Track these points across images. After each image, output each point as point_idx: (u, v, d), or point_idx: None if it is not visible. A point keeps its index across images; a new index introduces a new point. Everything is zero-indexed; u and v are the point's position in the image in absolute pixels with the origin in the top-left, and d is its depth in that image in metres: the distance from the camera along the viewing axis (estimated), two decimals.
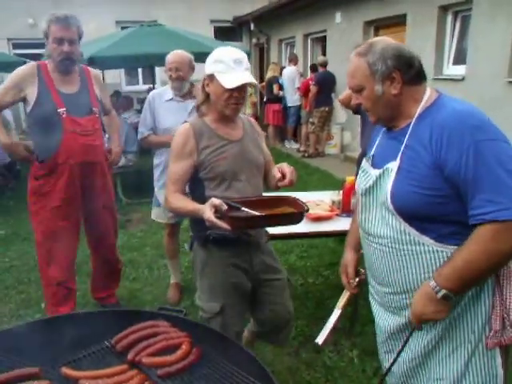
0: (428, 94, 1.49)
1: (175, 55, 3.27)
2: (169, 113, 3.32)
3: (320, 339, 1.70)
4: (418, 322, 1.47)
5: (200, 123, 2.08)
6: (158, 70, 9.94)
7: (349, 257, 1.83)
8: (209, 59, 2.00)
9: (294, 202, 2.03)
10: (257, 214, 1.88)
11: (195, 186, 2.11)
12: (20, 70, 2.79)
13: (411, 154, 1.43)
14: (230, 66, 1.94)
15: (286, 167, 2.04)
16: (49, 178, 2.82)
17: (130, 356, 1.45)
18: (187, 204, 2.00)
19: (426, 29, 6.70)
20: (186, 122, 2.15)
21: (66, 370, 1.41)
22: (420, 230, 1.44)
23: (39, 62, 2.85)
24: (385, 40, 1.52)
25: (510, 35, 5.39)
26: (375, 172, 1.55)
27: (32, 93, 2.73)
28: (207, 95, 2.05)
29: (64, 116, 2.74)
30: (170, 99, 3.33)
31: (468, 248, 1.34)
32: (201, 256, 2.17)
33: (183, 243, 4.35)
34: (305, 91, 9.32)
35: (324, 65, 8.97)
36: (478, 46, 5.84)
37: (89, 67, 3.08)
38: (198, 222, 2.00)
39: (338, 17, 9.12)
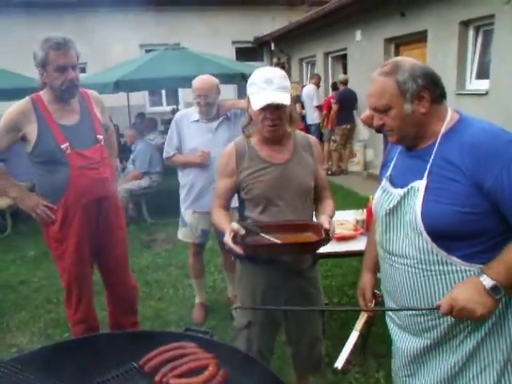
0: (450, 114, 1.50)
1: (203, 82, 3.29)
2: (195, 134, 3.38)
3: (339, 364, 1.66)
4: (458, 312, 1.39)
5: (244, 144, 2.11)
6: (181, 92, 10.15)
7: (366, 279, 1.82)
8: (247, 83, 2.04)
9: (319, 230, 1.95)
10: (271, 241, 1.89)
11: (240, 205, 2.18)
12: (15, 109, 2.53)
13: (440, 173, 1.43)
14: (261, 87, 1.94)
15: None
16: (62, 223, 2.62)
17: (157, 377, 1.46)
18: (221, 222, 2.05)
19: (448, 44, 6.68)
20: (233, 142, 2.19)
21: None
22: (447, 249, 1.43)
23: (33, 96, 2.58)
24: (408, 59, 1.51)
25: None
26: (398, 191, 1.54)
27: (31, 132, 2.49)
28: (251, 117, 2.08)
29: (68, 152, 2.52)
30: (196, 120, 3.38)
31: None
32: (238, 269, 2.23)
33: (207, 263, 4.39)
34: (327, 109, 9.36)
35: (345, 83, 9.01)
36: (502, 60, 5.79)
37: (87, 90, 2.81)
38: None
39: (359, 35, 9.17)
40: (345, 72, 10.04)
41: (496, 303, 1.37)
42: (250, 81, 2.02)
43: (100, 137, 2.69)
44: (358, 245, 2.96)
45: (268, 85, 1.93)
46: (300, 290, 2.19)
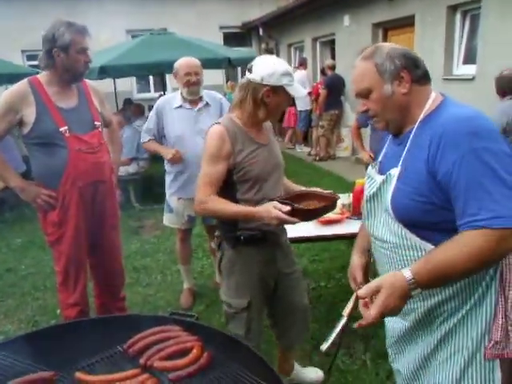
0: (432, 98, 1.47)
1: (190, 61, 3.31)
2: (178, 120, 3.36)
3: (324, 346, 1.63)
4: (381, 316, 1.33)
5: (232, 125, 2.11)
6: (168, 78, 10.04)
7: (355, 261, 1.79)
8: (274, 71, 2.02)
9: (317, 197, 2.18)
10: (314, 207, 2.10)
11: (227, 189, 2.12)
12: (12, 92, 2.55)
13: (411, 160, 1.42)
14: (293, 78, 2.12)
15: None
16: (60, 207, 2.62)
17: (142, 360, 1.47)
18: (232, 207, 2.03)
19: (435, 29, 6.67)
20: (218, 123, 2.13)
21: (79, 375, 1.43)
22: (420, 236, 1.42)
23: (31, 79, 2.60)
24: (388, 43, 1.52)
25: None
26: (380, 178, 1.55)
27: (30, 114, 2.51)
28: (261, 105, 2.07)
29: (67, 135, 2.55)
30: (179, 106, 3.36)
31: (455, 250, 1.28)
32: (229, 255, 2.24)
33: (196, 248, 4.39)
34: (316, 95, 9.32)
35: (332, 68, 8.97)
36: (489, 45, 5.80)
37: (85, 79, 2.83)
38: (228, 223, 2.16)
39: (347, 19, 9.12)
40: (333, 57, 10.00)
41: (408, 296, 1.33)
42: (281, 71, 2.03)
43: (98, 123, 2.72)
44: (345, 228, 2.98)
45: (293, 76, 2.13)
46: (284, 258, 2.36)
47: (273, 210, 1.91)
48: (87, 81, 2.85)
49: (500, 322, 1.40)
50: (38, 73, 2.69)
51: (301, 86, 2.19)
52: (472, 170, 1.28)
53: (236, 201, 2.09)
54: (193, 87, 3.27)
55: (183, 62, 3.30)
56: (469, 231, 1.28)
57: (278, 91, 2.05)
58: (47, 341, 1.56)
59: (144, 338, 1.56)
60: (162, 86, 9.17)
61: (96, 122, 2.71)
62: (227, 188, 2.13)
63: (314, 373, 2.78)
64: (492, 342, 1.41)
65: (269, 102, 2.07)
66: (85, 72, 2.64)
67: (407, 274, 1.31)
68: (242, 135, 2.10)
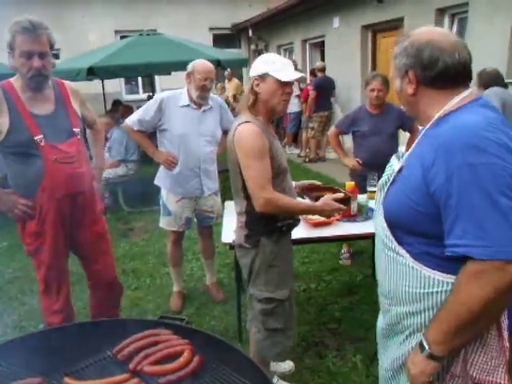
0: (458, 99, 1.31)
1: (209, 66, 3.29)
2: (183, 119, 3.32)
3: None
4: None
5: (259, 123, 2.20)
6: (157, 79, 9.99)
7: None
8: (259, 63, 2.20)
9: (320, 187, 2.72)
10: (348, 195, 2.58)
11: None
12: None
13: (413, 160, 1.32)
14: (284, 65, 2.19)
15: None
16: (38, 218, 2.52)
17: (131, 365, 1.45)
18: (298, 202, 2.32)
19: None
20: (247, 121, 2.18)
21: (68, 380, 1.41)
22: (398, 239, 1.37)
23: (4, 83, 2.41)
24: (424, 32, 1.35)
25: (508, 36, 5.42)
26: (396, 166, 1.43)
27: (3, 123, 2.34)
28: (256, 96, 2.20)
29: (42, 144, 2.38)
30: (186, 105, 3.34)
31: (455, 302, 1.21)
32: (270, 248, 2.28)
33: (186, 251, 4.36)
34: (305, 97, 9.34)
35: (322, 70, 8.99)
36: (476, 48, 5.80)
37: (63, 80, 2.65)
38: (269, 217, 2.22)
39: (336, 21, 9.16)
40: (323, 59, 10.04)
41: (429, 364, 1.28)
42: (265, 60, 2.19)
43: (76, 130, 2.55)
44: (335, 230, 2.98)
45: (290, 66, 2.22)
46: None
47: (334, 203, 2.27)
48: (66, 82, 2.65)
49: (461, 357, 1.31)
50: None
51: (292, 70, 2.22)
52: (465, 188, 1.17)
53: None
54: (206, 92, 3.28)
55: (202, 66, 3.26)
56: (460, 277, 1.21)
57: (265, 78, 2.16)
58: (34, 346, 1.53)
59: (133, 343, 1.54)
60: (150, 88, 9.14)
61: (74, 129, 2.53)
62: None
63: (286, 364, 2.84)
64: (449, 375, 1.33)
65: (260, 91, 2.18)
66: (36, 80, 2.36)
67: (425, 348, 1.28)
68: (266, 132, 2.21)
